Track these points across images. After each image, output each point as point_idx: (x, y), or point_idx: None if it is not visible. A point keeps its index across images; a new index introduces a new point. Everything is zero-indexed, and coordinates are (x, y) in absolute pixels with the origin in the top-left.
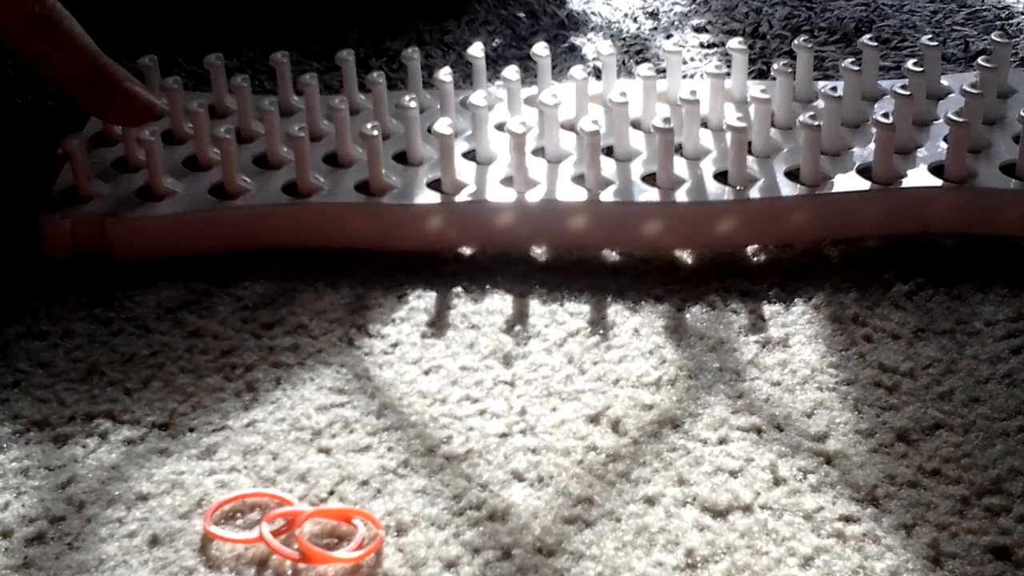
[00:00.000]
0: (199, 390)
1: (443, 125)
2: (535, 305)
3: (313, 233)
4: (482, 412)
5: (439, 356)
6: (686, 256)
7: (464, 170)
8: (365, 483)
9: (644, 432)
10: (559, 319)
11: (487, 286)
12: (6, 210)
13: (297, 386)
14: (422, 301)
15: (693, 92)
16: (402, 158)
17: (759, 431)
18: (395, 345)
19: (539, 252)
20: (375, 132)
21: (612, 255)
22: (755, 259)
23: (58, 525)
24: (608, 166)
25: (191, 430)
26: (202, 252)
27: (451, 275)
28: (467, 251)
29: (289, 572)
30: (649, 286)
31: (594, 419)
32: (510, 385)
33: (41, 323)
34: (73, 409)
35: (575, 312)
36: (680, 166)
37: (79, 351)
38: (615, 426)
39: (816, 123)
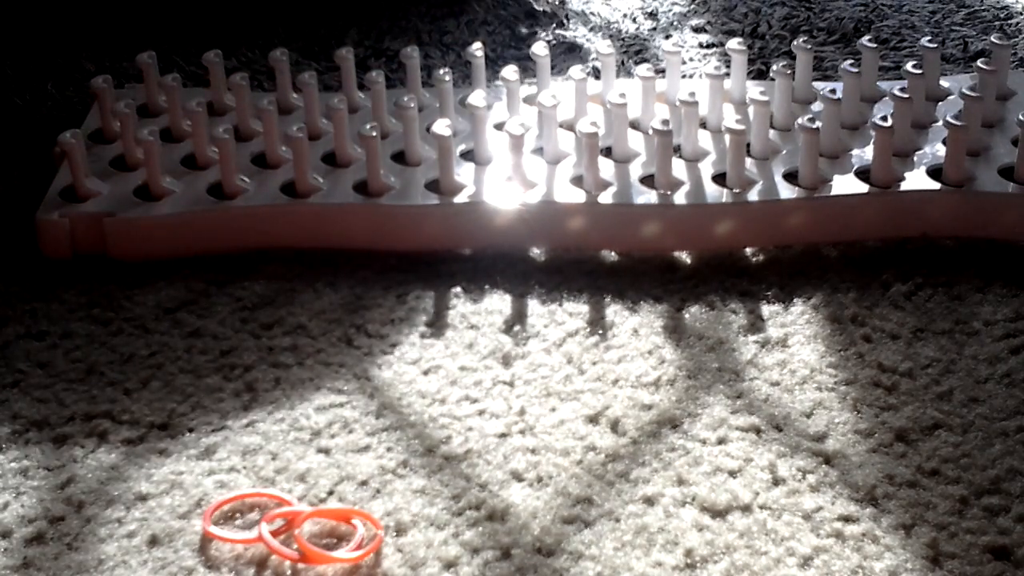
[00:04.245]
0: (198, 390)
1: (441, 127)
2: (534, 305)
3: (312, 233)
4: (481, 412)
5: (438, 356)
6: (685, 257)
7: (463, 171)
8: (364, 483)
9: (643, 432)
10: (558, 319)
11: (486, 286)
12: (4, 210)
13: (296, 386)
14: (421, 301)
15: (692, 93)
16: (401, 157)
17: (758, 431)
18: (394, 345)
19: (538, 252)
20: (374, 133)
21: (611, 255)
22: (754, 259)
23: (57, 525)
24: (607, 167)
25: (190, 430)
26: (201, 252)
27: (450, 275)
28: (466, 251)
29: (288, 572)
30: (648, 286)
31: (593, 419)
32: (509, 385)
33: (40, 323)
34: (72, 409)
35: (574, 312)
36: (679, 168)
37: (78, 351)
38: (614, 426)
39: (815, 126)
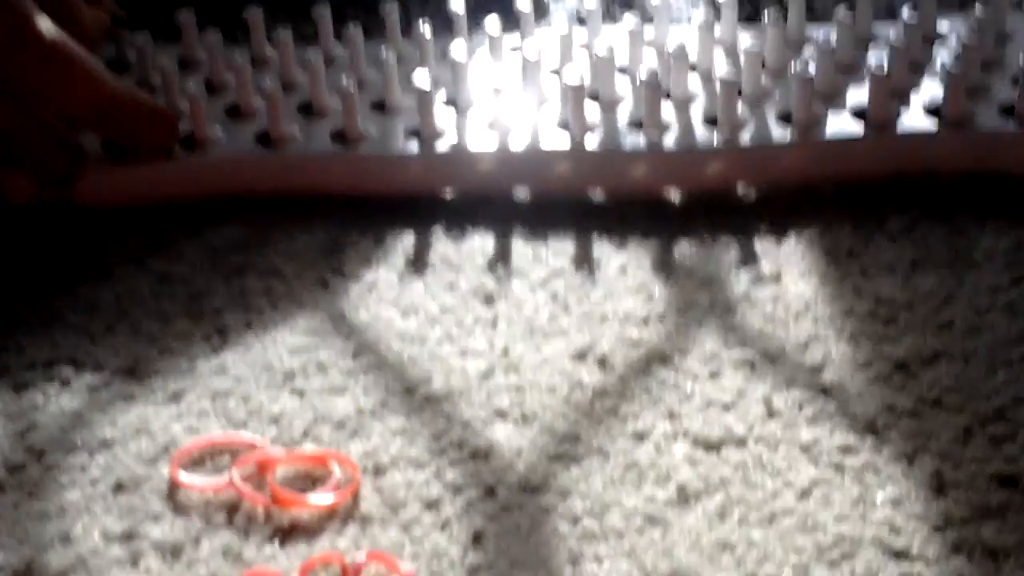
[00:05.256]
0: (166, 335)
1: (422, 78)
2: (518, 245)
3: (287, 181)
4: (463, 352)
5: (417, 297)
6: (674, 196)
7: (444, 117)
8: (341, 424)
9: (632, 368)
10: (542, 257)
11: (468, 226)
12: None
13: (269, 329)
14: (400, 242)
15: (681, 42)
16: (380, 107)
17: (752, 365)
18: (372, 286)
19: (522, 195)
20: (352, 89)
21: (598, 195)
22: (745, 198)
23: (16, 475)
24: (594, 111)
25: (157, 373)
26: (172, 200)
27: (430, 216)
28: (448, 195)
29: (261, 517)
30: (636, 223)
31: (580, 356)
32: (492, 324)
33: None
34: (33, 356)
35: (559, 251)
36: (668, 110)
37: (40, 300)
38: (602, 363)
39: (809, 75)
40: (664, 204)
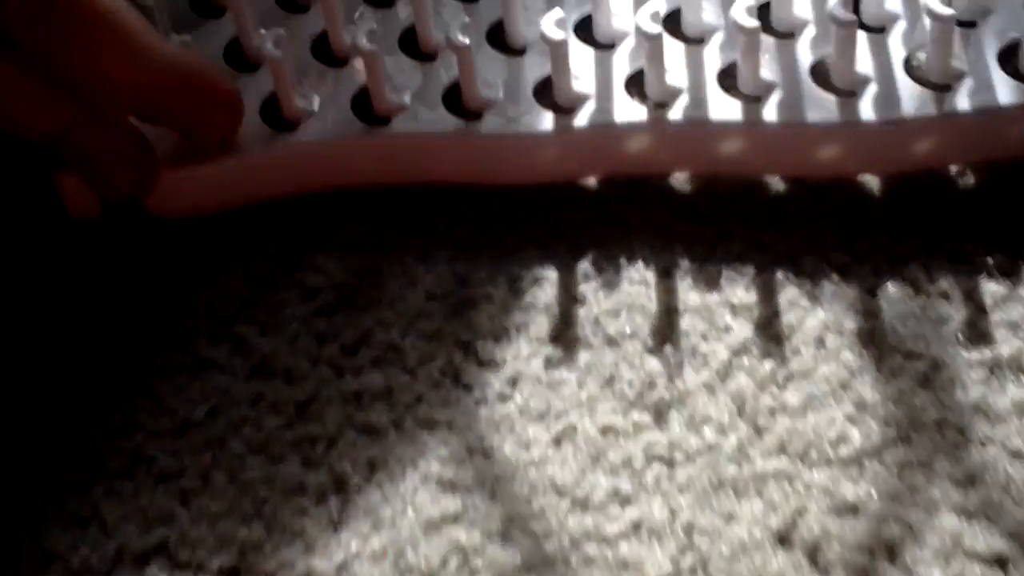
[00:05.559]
0: (273, 490)
1: (551, 25)
2: (685, 292)
3: (395, 168)
4: (636, 527)
5: (571, 405)
6: (872, 186)
7: (579, 67)
8: None
9: (851, 569)
10: (718, 322)
11: (621, 259)
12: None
13: (395, 478)
14: (542, 292)
15: None
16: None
17: (1003, 563)
18: (513, 382)
19: (682, 184)
20: (465, 40)
21: (776, 183)
22: (961, 186)
23: None
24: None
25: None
26: (257, 200)
27: (574, 235)
28: (591, 185)
29: None
30: (828, 245)
31: (783, 538)
32: (668, 466)
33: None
34: (118, 541)
35: (738, 306)
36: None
37: (117, 413)
38: (812, 555)
39: None
40: (862, 201)
